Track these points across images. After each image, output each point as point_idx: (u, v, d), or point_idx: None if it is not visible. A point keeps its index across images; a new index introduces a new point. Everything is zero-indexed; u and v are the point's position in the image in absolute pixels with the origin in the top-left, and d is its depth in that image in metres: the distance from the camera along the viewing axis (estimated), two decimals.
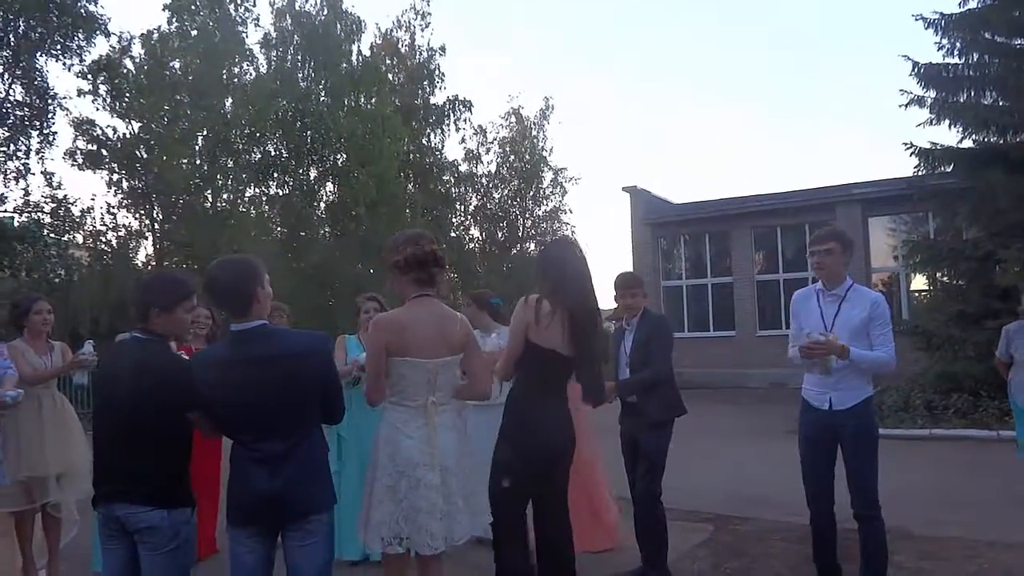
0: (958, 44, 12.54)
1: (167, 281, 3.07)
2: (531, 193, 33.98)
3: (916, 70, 12.70)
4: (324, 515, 2.80)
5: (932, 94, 12.70)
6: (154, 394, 2.73)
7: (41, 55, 18.20)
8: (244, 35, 22.37)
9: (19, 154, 18.25)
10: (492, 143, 32.74)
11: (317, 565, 2.76)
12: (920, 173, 12.88)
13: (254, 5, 22.97)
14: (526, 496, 3.42)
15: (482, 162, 32.15)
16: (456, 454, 3.07)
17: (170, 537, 2.73)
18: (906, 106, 12.75)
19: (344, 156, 23.26)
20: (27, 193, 18.89)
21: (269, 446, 2.69)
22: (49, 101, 18.48)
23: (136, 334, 2.90)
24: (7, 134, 18.14)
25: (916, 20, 12.68)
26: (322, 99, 23.47)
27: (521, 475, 3.35)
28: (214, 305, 2.86)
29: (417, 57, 28.73)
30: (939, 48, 12.68)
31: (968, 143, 12.54)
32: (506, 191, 33.52)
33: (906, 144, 12.63)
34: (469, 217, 32.23)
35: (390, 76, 27.06)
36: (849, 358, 3.68)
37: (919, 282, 16.67)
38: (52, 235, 19.44)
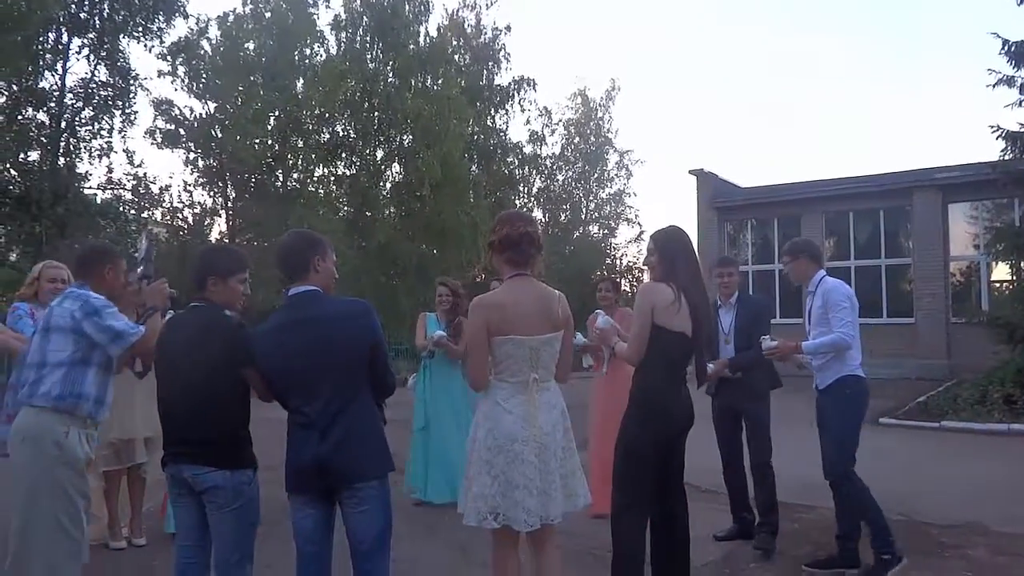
0: None
1: (224, 252, 3.36)
2: (595, 175, 33.79)
3: (1006, 48, 12.07)
4: (376, 482, 2.83)
5: (1023, 74, 12.09)
6: (213, 354, 2.87)
7: (124, 37, 18.90)
8: (315, 17, 22.79)
9: (103, 133, 19.07)
10: (557, 124, 32.65)
11: (374, 531, 2.83)
12: (1006, 157, 12.29)
13: None
14: (654, 473, 3.50)
15: (546, 144, 32.13)
16: (556, 432, 3.06)
17: (233, 496, 2.86)
18: (994, 86, 12.17)
19: (410, 137, 23.52)
20: (110, 171, 19.78)
21: (317, 410, 2.77)
22: (131, 82, 19.20)
23: (193, 303, 3.06)
24: (92, 113, 18.94)
25: None
26: (389, 80, 23.73)
27: (653, 452, 3.48)
28: (278, 267, 3.01)
29: (482, 37, 28.74)
30: None
31: None
32: (570, 173, 33.42)
33: (992, 127, 12.06)
34: (532, 199, 32.26)
35: (456, 57, 27.15)
36: (803, 351, 4.32)
37: (1001, 272, 15.96)
38: (132, 211, 20.29)
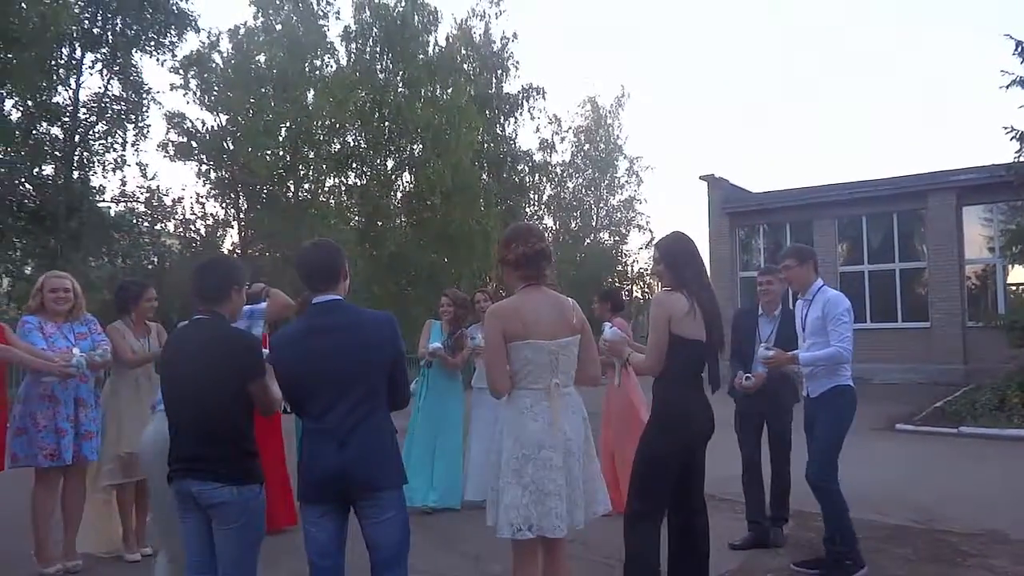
0: None
1: (223, 265, 3.31)
2: (605, 182, 33.75)
3: (1019, 49, 11.99)
4: (395, 491, 2.83)
5: None
6: (222, 368, 2.86)
7: (136, 51, 19.11)
8: (325, 28, 22.96)
9: (116, 146, 19.25)
10: (567, 132, 32.66)
11: (394, 540, 2.81)
12: (1021, 158, 12.18)
13: None
14: (674, 482, 3.49)
15: (556, 151, 32.13)
16: (579, 437, 3.08)
17: (239, 512, 2.84)
18: (1007, 87, 12.09)
19: (420, 146, 23.59)
20: (123, 184, 20.02)
21: (337, 418, 2.75)
22: (143, 95, 19.39)
23: (196, 316, 3.04)
24: (105, 127, 19.13)
25: None
26: (399, 90, 23.83)
27: (675, 461, 3.48)
28: (303, 280, 2.98)
29: (491, 46, 28.80)
30: None
31: None
32: (580, 180, 33.40)
33: (1006, 128, 11.99)
34: (543, 206, 32.24)
35: (465, 66, 27.24)
36: (799, 362, 4.31)
37: (1017, 274, 15.80)
38: (146, 224, 20.45)
